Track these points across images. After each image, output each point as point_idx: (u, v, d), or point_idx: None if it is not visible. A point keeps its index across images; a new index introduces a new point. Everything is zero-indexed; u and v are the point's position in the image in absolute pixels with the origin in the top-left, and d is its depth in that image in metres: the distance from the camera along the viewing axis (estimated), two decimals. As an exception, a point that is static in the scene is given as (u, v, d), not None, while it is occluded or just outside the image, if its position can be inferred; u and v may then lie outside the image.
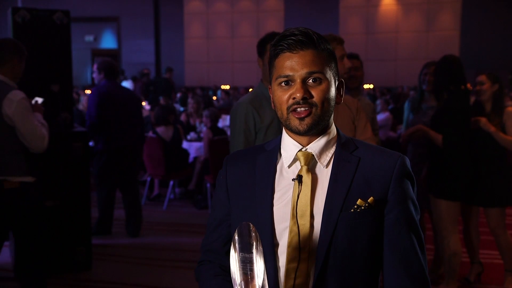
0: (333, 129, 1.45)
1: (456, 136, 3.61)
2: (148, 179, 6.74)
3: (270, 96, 3.09)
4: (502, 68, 12.71)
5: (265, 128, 2.80)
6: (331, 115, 1.41)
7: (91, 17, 16.19)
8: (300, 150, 1.41)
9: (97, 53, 16.47)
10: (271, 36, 2.92)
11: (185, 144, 6.82)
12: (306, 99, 1.34)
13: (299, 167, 1.40)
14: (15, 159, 3.13)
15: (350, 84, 3.64)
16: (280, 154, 1.45)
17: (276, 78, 1.38)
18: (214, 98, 12.50)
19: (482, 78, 3.81)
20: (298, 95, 1.34)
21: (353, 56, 3.79)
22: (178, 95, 10.83)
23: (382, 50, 15.70)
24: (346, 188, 1.36)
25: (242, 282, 1.21)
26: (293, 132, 1.40)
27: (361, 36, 15.83)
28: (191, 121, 7.95)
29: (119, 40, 16.75)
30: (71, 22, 4.23)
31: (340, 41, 2.84)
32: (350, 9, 15.64)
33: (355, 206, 1.34)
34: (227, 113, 8.51)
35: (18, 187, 3.11)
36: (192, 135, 7.16)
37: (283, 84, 1.37)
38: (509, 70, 12.72)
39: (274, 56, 1.39)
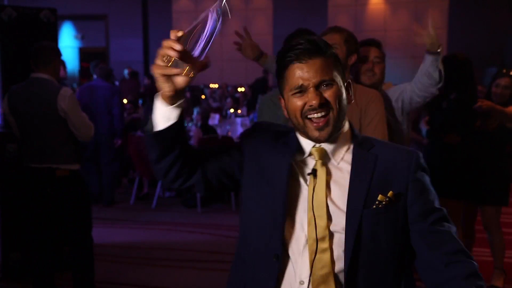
0: (346, 126, 1.50)
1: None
2: (137, 178, 6.71)
3: None
4: (490, 66, 12.80)
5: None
6: (345, 116, 1.46)
7: (78, 15, 16.06)
8: (314, 146, 1.46)
9: (85, 52, 16.34)
10: (297, 32, 2.90)
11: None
12: (322, 104, 1.39)
13: (313, 162, 1.46)
14: (66, 148, 3.49)
15: (365, 79, 2.97)
16: (297, 149, 1.49)
17: (290, 90, 1.42)
18: (203, 97, 12.45)
19: (507, 81, 3.78)
20: (314, 102, 1.38)
21: (370, 43, 3.07)
22: None
23: (370, 48, 15.69)
24: (366, 185, 1.41)
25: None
26: (311, 140, 1.45)
27: (349, 35, 15.80)
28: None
29: (107, 39, 16.63)
30: (58, 20, 4.20)
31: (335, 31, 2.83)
32: (338, 7, 15.66)
33: (377, 202, 1.39)
34: (215, 112, 8.53)
35: (68, 175, 3.46)
36: (181, 134, 7.12)
37: (297, 94, 1.41)
38: (497, 67, 12.82)
39: (283, 67, 1.43)
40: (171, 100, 1.34)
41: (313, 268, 1.38)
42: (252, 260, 1.48)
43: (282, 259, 1.43)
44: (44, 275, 3.55)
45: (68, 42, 16.24)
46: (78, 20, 16.43)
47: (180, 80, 1.30)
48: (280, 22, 15.02)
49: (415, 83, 2.84)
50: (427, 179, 1.46)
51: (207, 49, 1.28)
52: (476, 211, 4.01)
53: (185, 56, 1.24)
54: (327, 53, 1.41)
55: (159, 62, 1.27)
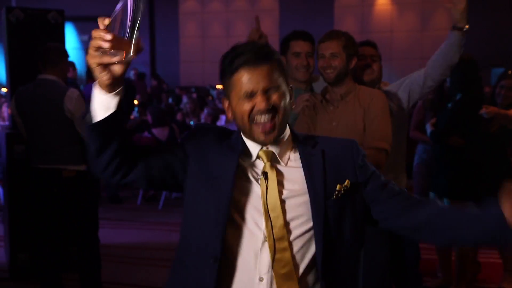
0: (288, 130, 1.57)
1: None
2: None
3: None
4: (496, 66, 12.73)
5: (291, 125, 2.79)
6: (288, 120, 1.55)
7: (85, 17, 16.10)
8: (261, 148, 1.52)
9: (92, 53, 16.39)
10: (293, 34, 2.92)
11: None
12: (269, 107, 1.45)
13: (261, 165, 1.51)
14: (73, 149, 3.50)
15: (364, 76, 2.94)
16: (242, 150, 1.53)
17: (238, 94, 1.47)
18: (210, 98, 12.46)
19: (510, 83, 3.75)
20: (262, 105, 1.44)
21: (365, 44, 3.11)
22: (170, 100, 10.74)
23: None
24: (322, 179, 1.49)
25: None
26: (257, 143, 1.51)
27: (356, 36, 15.58)
28: (187, 120, 7.94)
29: (114, 40, 16.70)
30: (66, 21, 4.22)
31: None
32: (345, 8, 15.64)
33: (336, 192, 1.48)
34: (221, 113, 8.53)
35: (75, 176, 3.47)
36: (187, 135, 7.14)
37: (245, 98, 1.46)
38: (503, 68, 12.76)
39: (231, 72, 1.47)
40: (110, 88, 1.33)
41: (274, 268, 1.42)
42: (192, 262, 1.49)
43: (231, 259, 1.45)
44: (52, 276, 3.57)
45: (75, 43, 16.30)
46: (85, 21, 16.49)
47: (117, 68, 1.30)
48: (286, 23, 15.02)
49: (433, 65, 2.81)
50: (366, 161, 1.58)
51: (136, 31, 1.26)
52: None
53: (117, 43, 1.24)
54: (273, 60, 1.48)
55: (92, 52, 1.26)
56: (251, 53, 1.45)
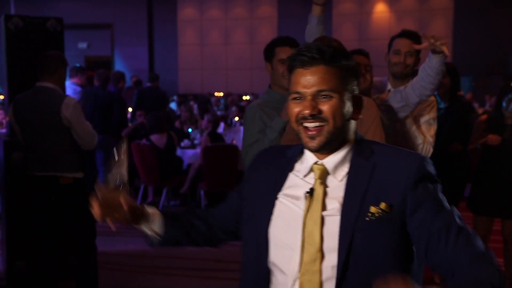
0: (349, 142, 1.43)
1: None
2: (142, 186, 6.71)
3: (279, 100, 2.92)
4: (495, 74, 12.78)
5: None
6: (347, 131, 1.40)
7: (84, 24, 16.16)
8: (316, 162, 1.41)
9: (90, 60, 16.44)
10: (278, 40, 2.86)
11: (178, 151, 6.81)
12: (315, 115, 1.34)
13: (313, 180, 1.40)
14: (70, 156, 3.54)
15: None
16: (296, 163, 1.48)
17: (291, 94, 1.40)
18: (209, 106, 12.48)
19: None
20: (306, 111, 1.34)
21: (358, 52, 3.34)
22: (173, 104, 10.74)
23: (375, 56, 15.69)
24: (360, 197, 1.32)
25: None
26: (306, 148, 1.42)
27: (354, 43, 15.85)
28: (185, 128, 7.94)
29: (112, 47, 16.73)
30: (65, 29, 4.22)
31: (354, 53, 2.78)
32: (343, 16, 15.71)
33: (369, 214, 1.30)
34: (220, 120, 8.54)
35: (72, 183, 3.50)
36: (186, 142, 7.14)
37: (296, 99, 1.38)
38: (502, 76, 12.80)
39: (289, 70, 1.41)
40: (135, 223, 1.62)
41: None
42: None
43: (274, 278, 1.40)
44: (49, 283, 3.56)
45: (74, 51, 16.33)
46: (84, 29, 16.54)
47: (122, 216, 1.62)
48: (285, 31, 15.03)
49: (418, 85, 2.81)
50: (432, 187, 1.33)
51: (123, 182, 1.60)
52: (492, 225, 3.95)
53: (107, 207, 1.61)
54: (332, 63, 1.35)
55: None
56: (310, 52, 1.34)
